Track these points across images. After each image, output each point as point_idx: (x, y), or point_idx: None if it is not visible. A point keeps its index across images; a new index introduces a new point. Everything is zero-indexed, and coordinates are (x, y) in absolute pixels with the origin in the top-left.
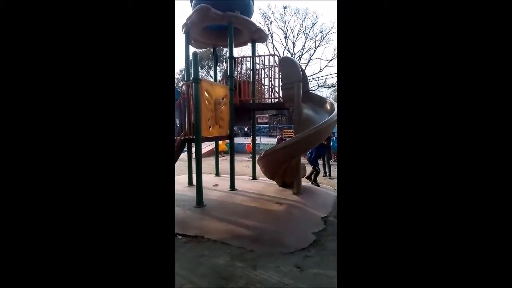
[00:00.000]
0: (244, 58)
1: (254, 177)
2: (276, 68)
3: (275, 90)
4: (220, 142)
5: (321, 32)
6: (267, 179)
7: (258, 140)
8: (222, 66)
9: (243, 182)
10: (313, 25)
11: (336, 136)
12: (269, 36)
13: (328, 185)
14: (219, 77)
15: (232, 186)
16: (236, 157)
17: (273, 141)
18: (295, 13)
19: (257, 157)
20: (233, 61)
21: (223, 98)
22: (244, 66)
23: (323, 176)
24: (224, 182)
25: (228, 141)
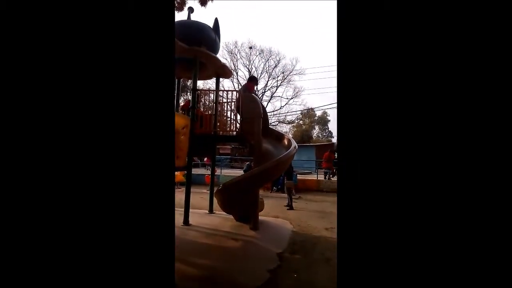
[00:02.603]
0: (208, 91)
1: (211, 210)
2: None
3: (237, 123)
4: (177, 173)
5: (283, 73)
6: (225, 213)
7: (218, 171)
8: (186, 97)
9: (198, 216)
10: (275, 66)
11: (293, 170)
12: (234, 72)
13: (285, 219)
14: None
15: (186, 221)
16: (194, 189)
17: (234, 172)
18: (259, 53)
19: (215, 189)
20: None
21: (183, 128)
22: (208, 98)
23: (286, 207)
24: (177, 216)
25: (186, 171)
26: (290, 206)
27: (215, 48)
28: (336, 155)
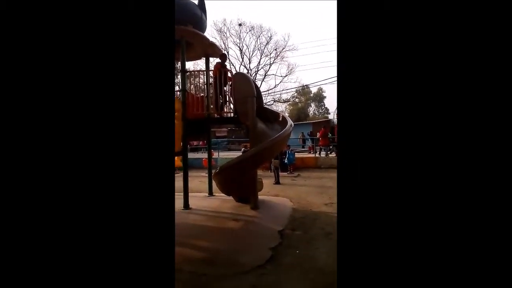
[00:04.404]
0: (199, 72)
1: (210, 193)
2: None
3: (228, 103)
4: (175, 158)
5: (275, 49)
6: (224, 195)
7: (216, 154)
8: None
9: (198, 199)
10: (267, 43)
11: (291, 149)
12: (224, 51)
13: (285, 197)
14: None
15: (186, 205)
16: (193, 173)
17: (231, 155)
18: (250, 30)
19: (213, 172)
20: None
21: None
22: (200, 80)
23: (273, 183)
24: (177, 201)
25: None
26: (277, 182)
27: (202, 27)
28: (330, 134)
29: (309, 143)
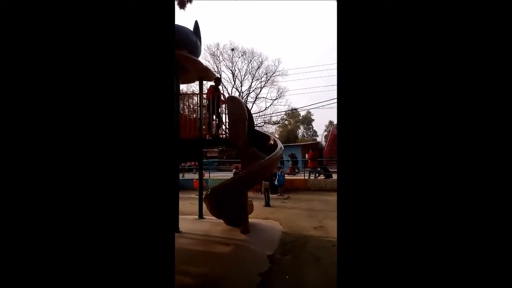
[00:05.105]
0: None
1: (200, 216)
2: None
3: (222, 125)
4: None
5: (266, 74)
6: (214, 217)
7: (206, 175)
8: None
9: (188, 222)
10: (258, 67)
11: (281, 170)
12: (217, 74)
13: (275, 220)
14: None
15: (176, 228)
16: (183, 195)
17: (222, 175)
18: (242, 55)
19: (204, 194)
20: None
21: None
22: (193, 102)
23: (264, 206)
24: None
25: None
26: (267, 204)
27: (197, 51)
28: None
29: (289, 164)
